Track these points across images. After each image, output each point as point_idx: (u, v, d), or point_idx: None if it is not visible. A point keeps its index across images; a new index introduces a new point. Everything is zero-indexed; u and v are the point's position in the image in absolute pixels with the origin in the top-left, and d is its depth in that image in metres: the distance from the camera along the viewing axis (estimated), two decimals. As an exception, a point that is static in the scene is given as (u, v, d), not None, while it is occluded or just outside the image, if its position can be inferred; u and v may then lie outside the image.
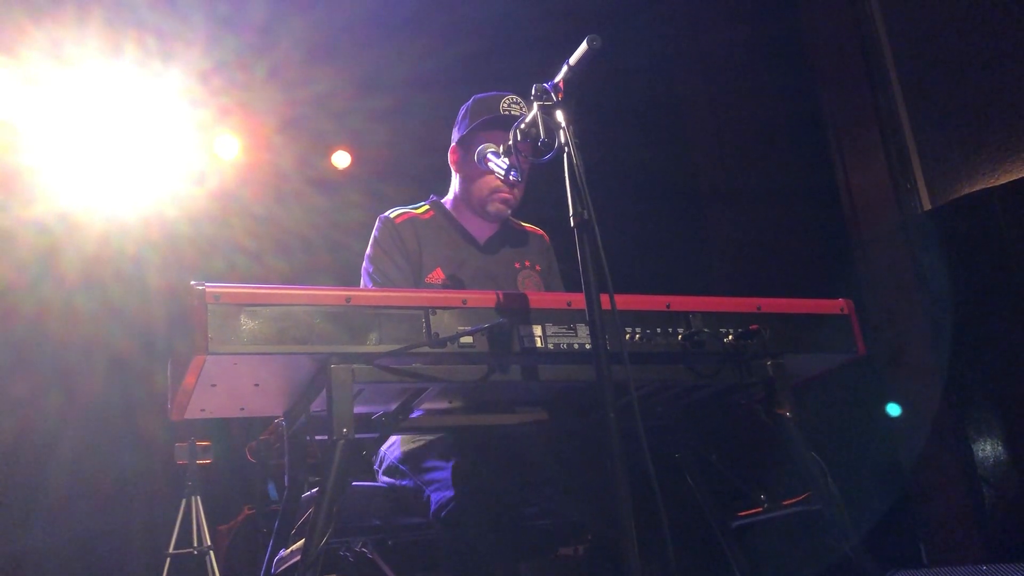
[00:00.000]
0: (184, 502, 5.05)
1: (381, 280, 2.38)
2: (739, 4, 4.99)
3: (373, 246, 2.47)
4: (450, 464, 2.01)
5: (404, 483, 2.18)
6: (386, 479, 2.27)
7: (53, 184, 5.17)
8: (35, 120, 4.98)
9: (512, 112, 2.38)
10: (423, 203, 2.60)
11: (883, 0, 4.19)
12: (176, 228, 5.53)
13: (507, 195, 2.47)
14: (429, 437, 2.15)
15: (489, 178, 2.43)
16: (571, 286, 2.48)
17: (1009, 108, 3.71)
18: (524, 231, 2.68)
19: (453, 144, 2.57)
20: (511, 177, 2.13)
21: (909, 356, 3.88)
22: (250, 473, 5.08)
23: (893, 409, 3.91)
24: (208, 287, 1.61)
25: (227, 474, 5.39)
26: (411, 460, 2.16)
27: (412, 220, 2.50)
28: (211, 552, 4.96)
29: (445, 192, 2.65)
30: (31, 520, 5.05)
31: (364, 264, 2.47)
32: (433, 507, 1.99)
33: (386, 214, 2.51)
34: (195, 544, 4.97)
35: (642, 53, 4.71)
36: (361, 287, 2.38)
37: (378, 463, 2.32)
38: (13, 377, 5.03)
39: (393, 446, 2.26)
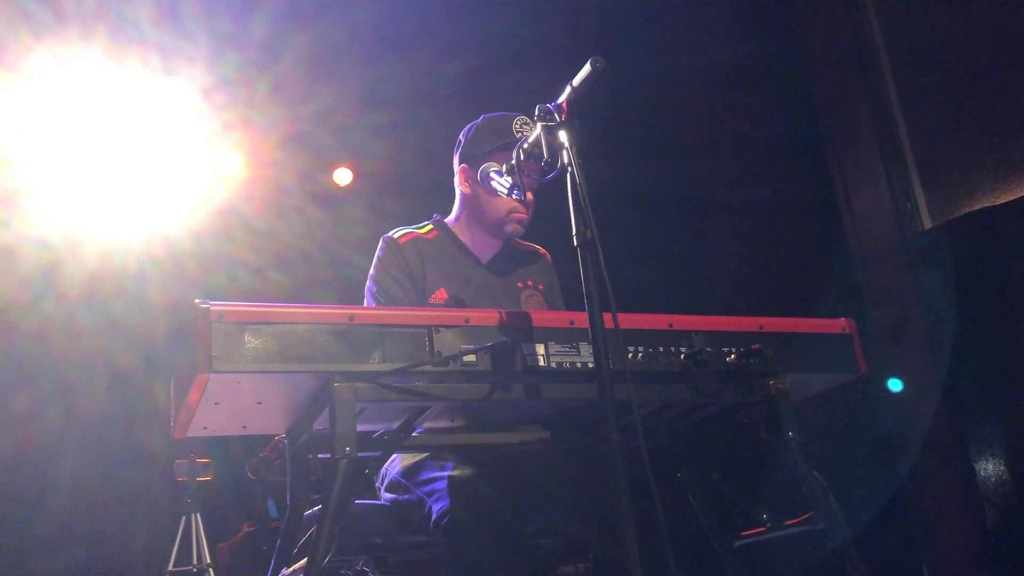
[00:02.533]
0: (184, 519, 5.03)
1: (384, 300, 2.39)
2: (738, 22, 5.03)
3: (376, 266, 2.47)
4: (447, 472, 2.02)
5: (406, 497, 2.18)
6: (388, 495, 2.26)
7: (55, 201, 5.18)
8: (37, 137, 5.00)
9: (525, 134, 2.37)
10: (426, 223, 2.61)
11: (882, 19, 4.22)
12: (178, 243, 5.54)
13: (522, 216, 2.49)
14: (430, 450, 2.15)
15: (504, 200, 2.43)
16: (574, 304, 2.49)
17: (1009, 127, 3.73)
18: (525, 250, 2.69)
19: (463, 164, 2.55)
20: (514, 196, 2.14)
21: (910, 374, 3.88)
22: (250, 490, 5.06)
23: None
24: (212, 305, 1.61)
25: (227, 491, 5.37)
26: (411, 472, 2.17)
27: (415, 240, 2.51)
28: (210, 570, 4.93)
29: (448, 211, 2.66)
30: (31, 536, 5.02)
31: (367, 284, 2.48)
32: (434, 516, 1.99)
33: (389, 234, 2.52)
34: (195, 562, 4.94)
35: (643, 69, 4.74)
36: (364, 306, 2.39)
37: (380, 480, 2.32)
38: (14, 393, 5.02)
39: (394, 462, 2.26)
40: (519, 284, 2.56)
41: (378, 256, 2.49)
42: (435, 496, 2.01)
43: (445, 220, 2.62)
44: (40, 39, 4.65)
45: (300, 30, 4.91)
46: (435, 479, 2.04)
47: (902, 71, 4.15)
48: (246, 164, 5.71)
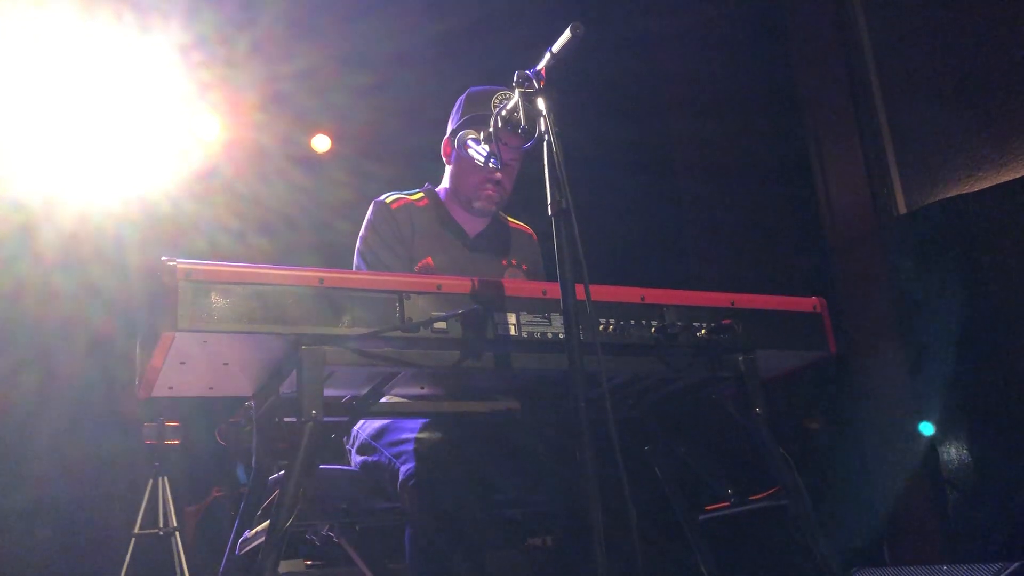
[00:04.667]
0: (151, 482, 5.01)
1: (376, 265, 2.37)
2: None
3: (368, 229, 2.45)
4: (415, 434, 2.02)
5: (375, 458, 2.18)
6: (359, 458, 2.26)
7: (30, 161, 5.07)
8: (9, 96, 4.87)
9: None
10: (417, 191, 2.59)
11: (866, 3, 4.22)
12: (156, 206, 5.45)
13: (492, 191, 2.46)
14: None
15: (476, 173, 2.42)
16: (549, 274, 2.48)
17: (986, 117, 3.75)
18: (512, 228, 2.68)
19: (446, 137, 2.55)
20: (490, 164, 2.12)
21: (879, 357, 3.93)
22: (221, 455, 5.04)
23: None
24: (180, 263, 1.59)
25: (197, 456, 5.35)
26: (380, 434, 2.17)
27: (407, 206, 2.49)
28: (176, 533, 4.92)
29: (433, 179, 2.64)
30: (10, 499, 4.99)
31: (358, 246, 2.45)
32: (401, 477, 2.00)
33: (381, 198, 2.50)
34: (161, 525, 4.93)
35: (620, 30, 4.66)
36: (335, 269, 2.36)
37: (351, 442, 2.32)
38: (-9, 356, 4.96)
39: (364, 424, 2.25)
40: (504, 262, 2.55)
41: (370, 220, 2.46)
42: (402, 458, 2.01)
43: (436, 190, 2.61)
44: (9, -5, 4.53)
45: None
46: (403, 440, 2.04)
47: (883, 56, 4.16)
48: (225, 125, 5.62)
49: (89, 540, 5.18)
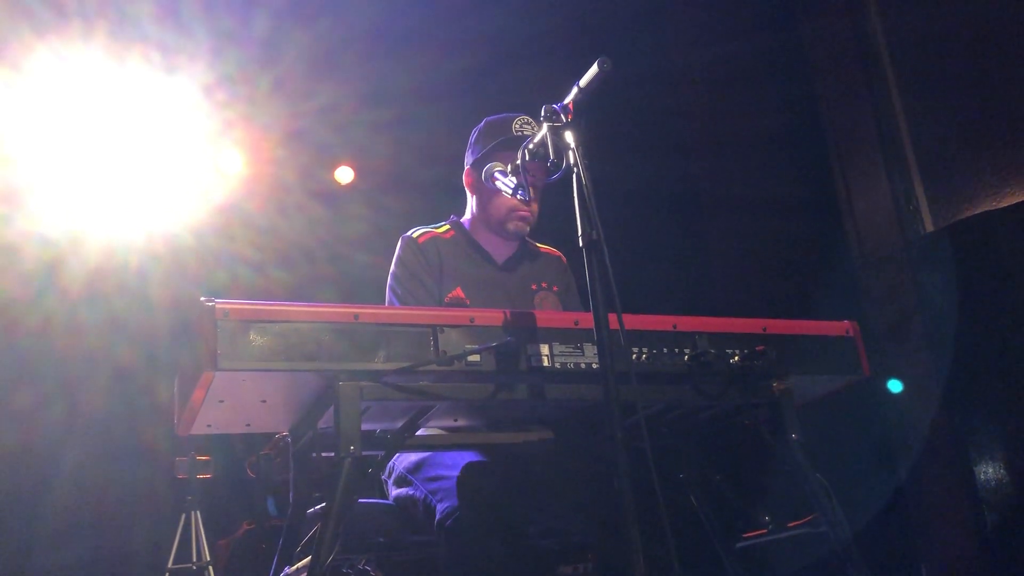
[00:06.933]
0: (184, 516, 5.03)
1: (407, 299, 2.40)
2: (741, 19, 5.01)
3: (398, 266, 2.49)
4: (455, 474, 2.02)
5: (411, 492, 2.18)
6: (395, 490, 2.27)
7: (57, 197, 5.18)
8: (39, 134, 4.99)
9: (525, 133, 2.41)
10: (443, 223, 2.63)
11: (885, 22, 4.22)
12: (179, 240, 5.54)
13: (525, 213, 2.51)
14: (438, 448, 2.14)
15: (505, 198, 2.46)
16: (581, 304, 2.49)
17: (1012, 132, 3.73)
18: (542, 252, 2.71)
19: (467, 167, 2.59)
20: (518, 196, 2.14)
21: (911, 377, 3.89)
22: (250, 488, 5.06)
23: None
24: (218, 303, 1.61)
25: (228, 489, 5.37)
26: (419, 469, 2.18)
27: (434, 239, 2.53)
28: (209, 567, 4.93)
29: (457, 210, 2.67)
30: (34, 532, 5.02)
31: (389, 283, 2.50)
32: (438, 516, 1.99)
33: (408, 234, 2.54)
34: (194, 559, 4.94)
35: (644, 65, 4.71)
36: (370, 305, 2.39)
37: (387, 474, 2.33)
38: (17, 389, 5.02)
39: (401, 456, 2.26)
40: (533, 286, 2.58)
41: (399, 256, 2.50)
42: (440, 495, 2.01)
43: (461, 221, 2.64)
44: (41, 36, 4.65)
45: (301, 27, 4.91)
46: (441, 478, 2.05)
47: (904, 73, 4.15)
48: (247, 161, 5.71)
49: (113, 571, 5.18)
